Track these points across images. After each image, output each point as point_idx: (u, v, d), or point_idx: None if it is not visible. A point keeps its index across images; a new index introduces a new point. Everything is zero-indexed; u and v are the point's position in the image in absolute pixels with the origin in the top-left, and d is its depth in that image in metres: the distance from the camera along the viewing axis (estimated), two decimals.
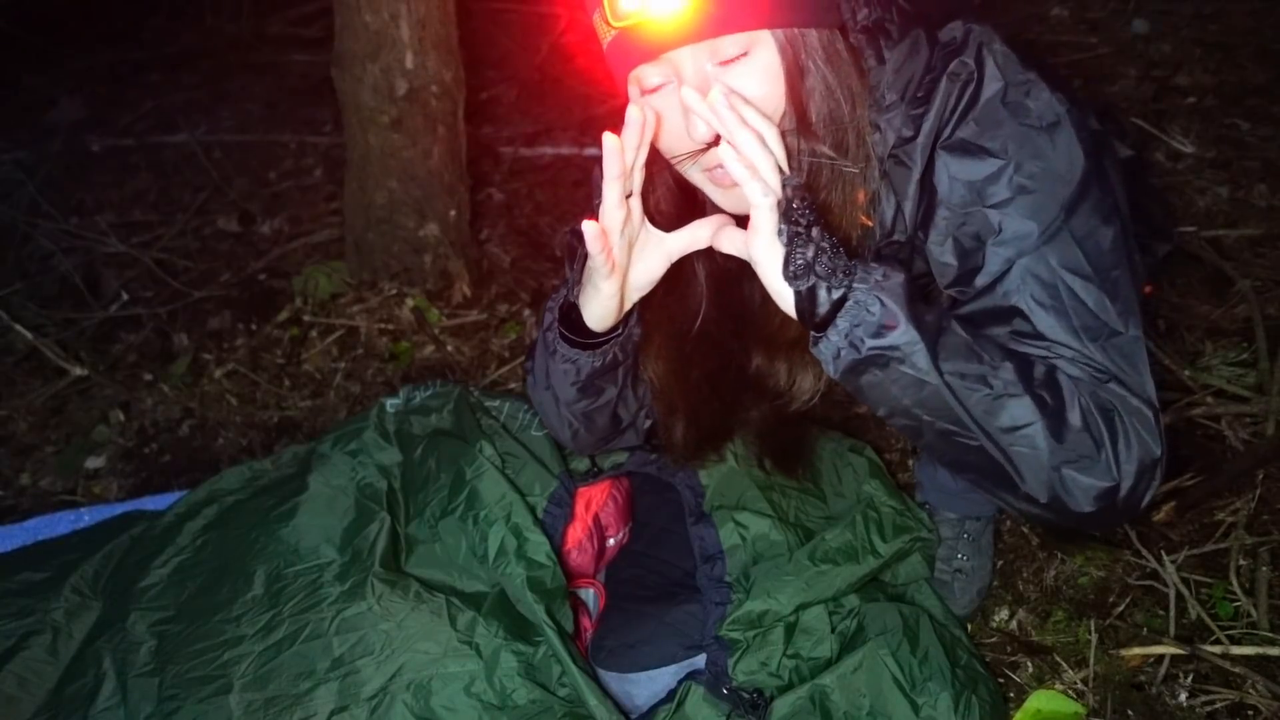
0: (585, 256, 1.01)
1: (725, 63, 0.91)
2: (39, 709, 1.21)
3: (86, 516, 1.65)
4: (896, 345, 0.86)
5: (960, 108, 0.96)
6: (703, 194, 1.05)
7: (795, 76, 0.93)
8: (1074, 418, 0.89)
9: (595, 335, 1.10)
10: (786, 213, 0.87)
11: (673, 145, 0.98)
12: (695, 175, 1.00)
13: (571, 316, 1.10)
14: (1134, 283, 0.95)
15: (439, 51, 2.04)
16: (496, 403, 1.51)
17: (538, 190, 2.66)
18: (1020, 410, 0.88)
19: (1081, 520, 0.92)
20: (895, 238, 1.04)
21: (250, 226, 2.67)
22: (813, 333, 0.90)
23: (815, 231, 0.87)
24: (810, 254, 0.86)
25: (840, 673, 1.12)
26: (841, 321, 0.87)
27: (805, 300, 0.88)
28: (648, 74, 0.94)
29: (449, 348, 2.07)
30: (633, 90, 0.97)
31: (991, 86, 0.95)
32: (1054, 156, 0.94)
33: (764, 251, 0.89)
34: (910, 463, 1.60)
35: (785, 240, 0.87)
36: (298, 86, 3.51)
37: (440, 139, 2.11)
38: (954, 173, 0.96)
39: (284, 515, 1.31)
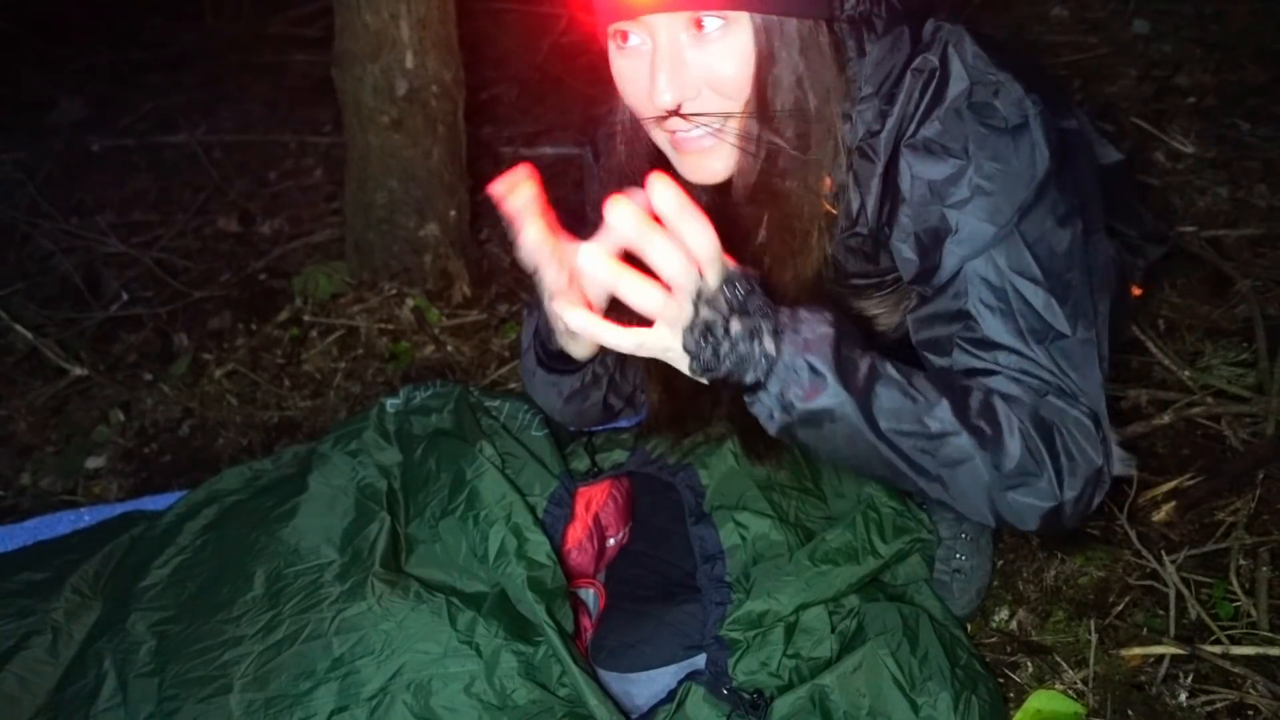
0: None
1: (699, 37, 0.91)
2: (39, 709, 1.21)
3: (86, 516, 1.65)
4: (829, 407, 0.85)
5: (924, 106, 0.96)
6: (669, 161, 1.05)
7: (765, 62, 0.93)
8: (1013, 445, 0.89)
9: (572, 360, 1.12)
10: (698, 325, 0.83)
11: (638, 106, 0.99)
12: (659, 136, 1.01)
13: (548, 345, 1.11)
14: (1092, 286, 0.96)
15: (439, 51, 2.04)
16: (496, 403, 1.51)
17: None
18: (958, 446, 0.88)
19: (1033, 533, 0.93)
20: (858, 229, 1.05)
21: (250, 226, 2.67)
22: (744, 395, 0.89)
23: (734, 325, 0.83)
24: (725, 347, 0.83)
25: (840, 673, 1.12)
26: (772, 385, 0.85)
27: (723, 382, 0.86)
28: (624, 31, 0.95)
29: (449, 348, 2.07)
30: (610, 45, 0.98)
31: (956, 86, 0.96)
32: (1014, 159, 0.94)
33: (669, 355, 0.85)
34: None
35: (692, 345, 0.83)
36: (298, 86, 3.51)
37: (440, 139, 2.11)
38: (916, 171, 0.97)
39: (284, 515, 1.31)
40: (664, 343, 0.83)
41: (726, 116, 0.95)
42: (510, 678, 1.11)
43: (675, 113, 0.94)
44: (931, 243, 0.97)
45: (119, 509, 1.63)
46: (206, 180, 2.86)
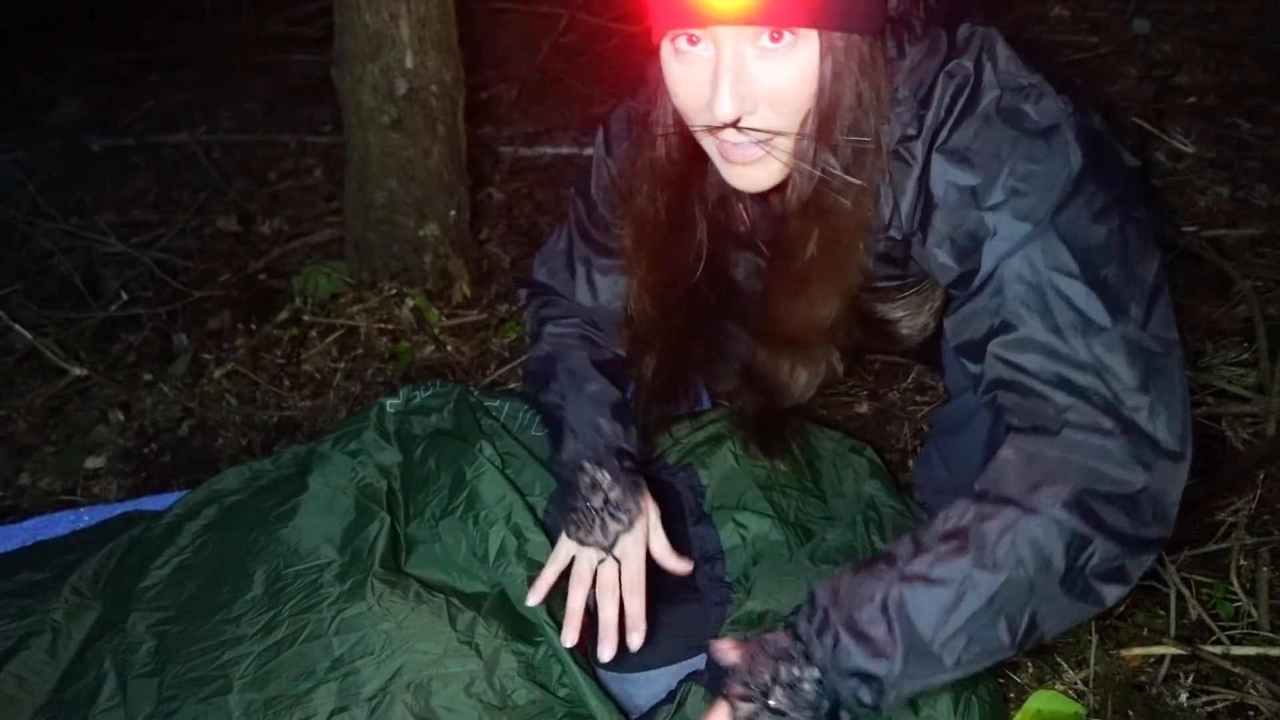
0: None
1: (767, 51, 0.91)
2: (39, 710, 1.20)
3: (86, 516, 1.65)
4: (893, 677, 0.92)
5: (957, 112, 0.96)
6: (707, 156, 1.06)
7: (829, 81, 0.92)
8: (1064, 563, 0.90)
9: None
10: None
11: (691, 113, 0.98)
12: (707, 142, 1.01)
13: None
14: (1136, 278, 0.93)
15: (439, 51, 2.04)
16: (496, 403, 1.51)
17: (538, 190, 2.65)
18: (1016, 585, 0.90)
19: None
20: (891, 234, 1.04)
21: (250, 226, 2.67)
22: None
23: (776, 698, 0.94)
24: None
25: None
26: (846, 702, 0.94)
27: None
28: (689, 36, 0.93)
29: (449, 348, 2.07)
30: (665, 46, 0.96)
31: (989, 93, 0.95)
32: (1047, 159, 0.93)
33: None
34: (910, 463, 1.60)
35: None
36: (298, 86, 3.51)
37: (440, 139, 2.11)
38: (949, 177, 0.96)
39: (284, 515, 1.31)
40: None
41: (784, 135, 0.95)
42: (510, 678, 1.11)
43: (732, 125, 0.93)
44: (969, 246, 0.96)
45: (119, 509, 1.63)
46: (206, 180, 2.86)
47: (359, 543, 1.26)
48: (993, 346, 0.94)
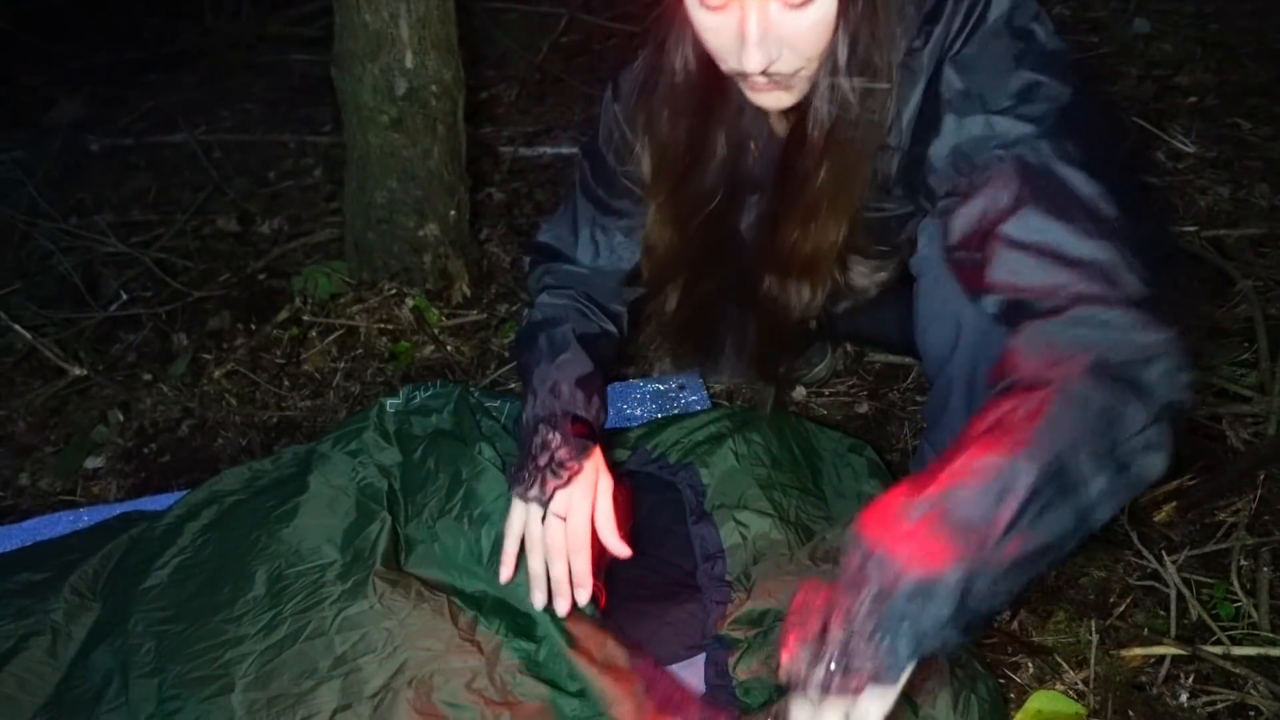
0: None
1: (790, 5, 0.94)
2: (39, 710, 1.20)
3: (86, 517, 1.64)
4: (949, 589, 0.78)
5: (970, 24, 1.00)
6: (726, 79, 1.09)
7: (849, 25, 0.98)
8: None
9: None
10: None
11: (719, 56, 1.03)
12: (734, 75, 1.05)
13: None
14: (1122, 178, 0.97)
15: (439, 51, 2.04)
16: (497, 403, 1.51)
17: (538, 190, 2.65)
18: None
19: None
20: (889, 143, 1.08)
21: (250, 226, 2.66)
22: None
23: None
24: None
25: None
26: (903, 632, 0.79)
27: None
28: None
29: (449, 348, 2.07)
30: (692, 1, 0.99)
31: (998, 8, 1.00)
32: (1052, 71, 0.98)
33: None
34: (909, 463, 1.60)
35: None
36: (298, 86, 3.51)
37: (440, 139, 2.11)
38: (958, 85, 1.00)
39: (285, 515, 1.31)
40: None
41: (804, 74, 1.00)
42: (511, 674, 1.11)
43: (759, 74, 0.98)
44: (973, 149, 0.99)
45: (118, 509, 1.62)
46: (206, 180, 2.86)
47: (360, 542, 1.26)
48: (1001, 229, 0.94)
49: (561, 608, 1.16)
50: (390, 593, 1.18)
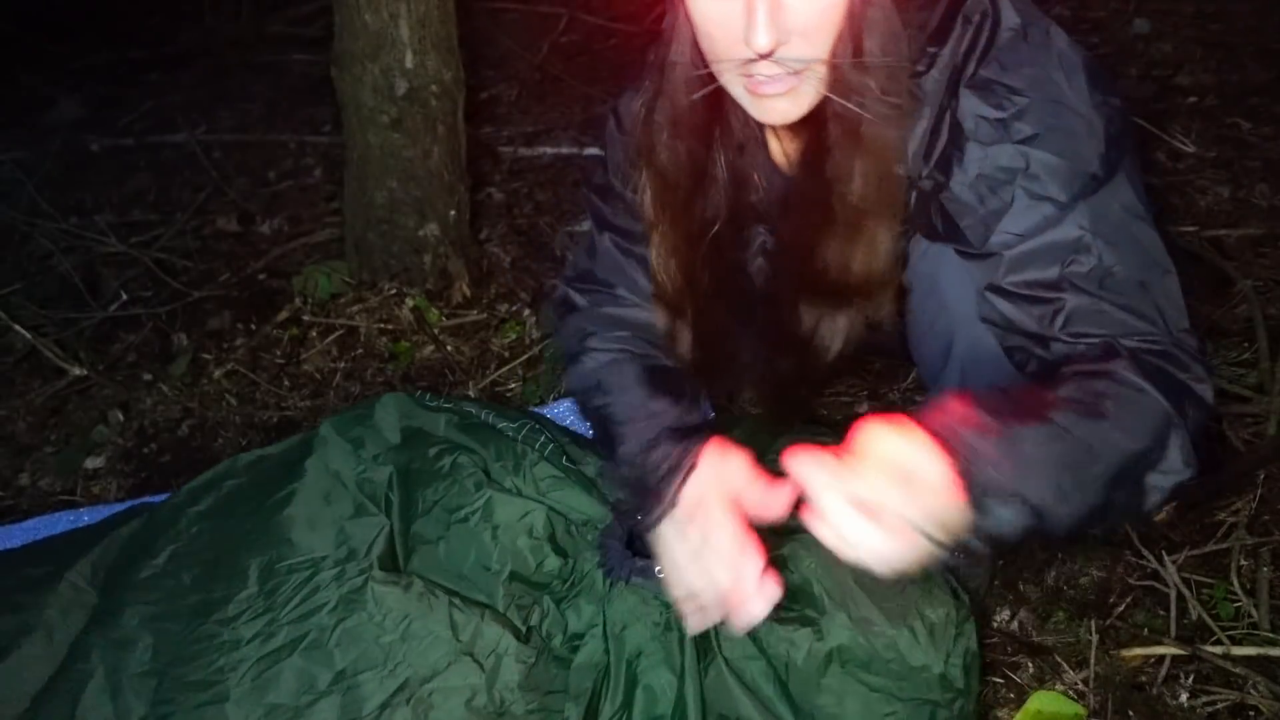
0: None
1: None
2: (31, 704, 1.19)
3: (86, 517, 1.65)
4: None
5: (981, 46, 0.97)
6: (728, 104, 1.06)
7: (859, 5, 0.93)
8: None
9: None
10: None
11: (724, 48, 0.97)
12: (734, 81, 1.00)
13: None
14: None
15: (439, 51, 2.04)
16: (514, 425, 1.44)
17: (538, 190, 2.65)
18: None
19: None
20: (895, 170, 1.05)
21: (250, 226, 2.66)
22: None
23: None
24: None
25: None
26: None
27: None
28: None
29: (449, 348, 2.07)
30: None
31: (1009, 25, 0.98)
32: (1073, 95, 0.96)
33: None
34: None
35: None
36: (298, 86, 3.50)
37: (440, 139, 2.11)
38: (979, 110, 0.97)
39: (279, 503, 1.28)
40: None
41: (820, 62, 0.95)
42: (510, 689, 1.09)
43: (766, 56, 0.92)
44: (1001, 179, 0.97)
45: (118, 509, 1.62)
46: (206, 180, 2.86)
47: (355, 542, 1.23)
48: (1069, 276, 0.95)
49: (761, 610, 0.93)
50: (389, 600, 1.16)
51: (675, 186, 1.13)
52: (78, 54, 3.88)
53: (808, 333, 1.17)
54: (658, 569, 1.10)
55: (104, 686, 1.15)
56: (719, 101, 1.07)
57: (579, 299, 1.33)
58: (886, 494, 0.77)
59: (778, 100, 0.98)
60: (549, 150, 2.81)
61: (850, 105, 0.96)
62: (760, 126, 1.14)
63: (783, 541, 1.14)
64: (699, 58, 1.03)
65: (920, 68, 0.99)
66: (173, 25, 4.08)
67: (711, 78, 1.03)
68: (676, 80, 1.07)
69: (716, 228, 1.17)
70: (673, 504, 1.01)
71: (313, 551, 1.23)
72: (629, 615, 1.12)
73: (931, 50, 0.99)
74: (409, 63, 2.01)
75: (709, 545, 0.97)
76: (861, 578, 1.10)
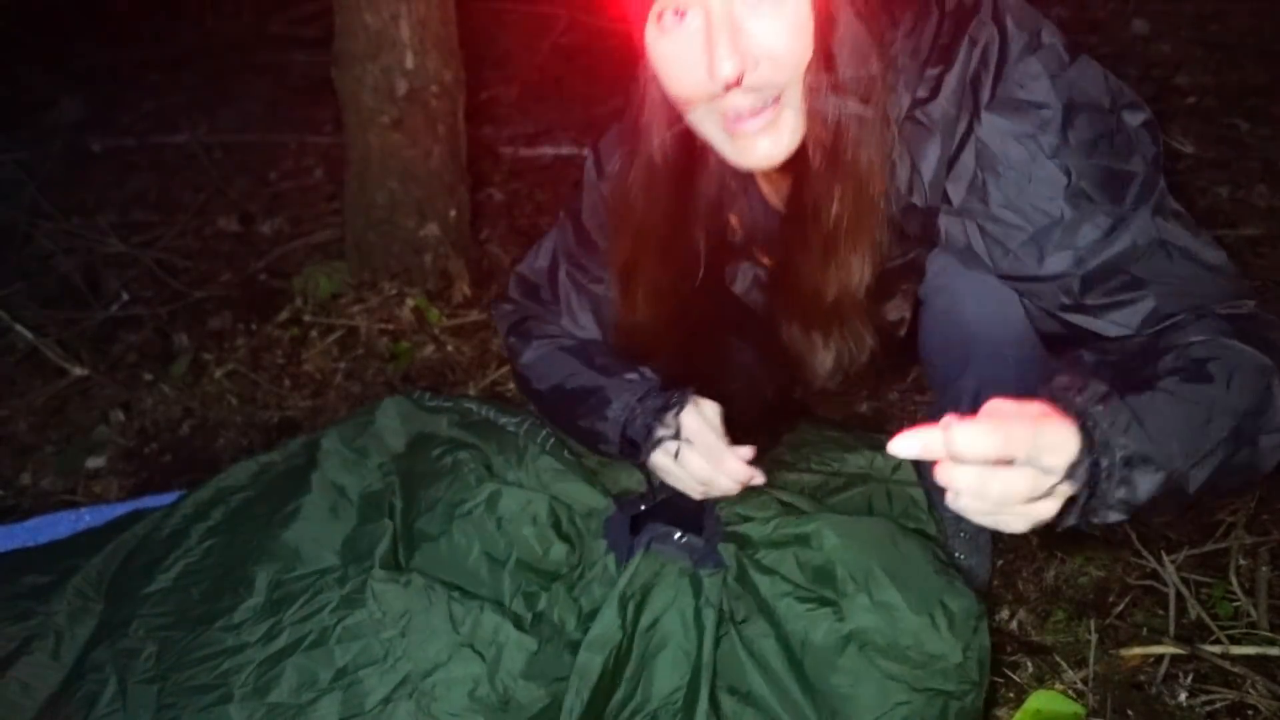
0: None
1: (756, 4, 0.90)
2: (39, 713, 1.20)
3: (87, 517, 1.65)
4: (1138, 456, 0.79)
5: (994, 66, 0.96)
6: (707, 157, 1.05)
7: (827, 24, 0.91)
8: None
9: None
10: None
11: (691, 88, 0.96)
12: (708, 124, 0.99)
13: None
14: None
15: (439, 51, 2.04)
16: (515, 420, 1.46)
17: (538, 190, 2.66)
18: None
19: None
20: (913, 201, 1.03)
21: (250, 226, 2.67)
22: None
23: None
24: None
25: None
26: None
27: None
28: (675, 8, 0.92)
29: (449, 348, 2.07)
30: (651, 29, 0.95)
31: (1019, 41, 0.96)
32: (1098, 97, 0.96)
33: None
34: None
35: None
36: (298, 86, 3.51)
37: (440, 139, 2.11)
38: (1007, 131, 0.95)
39: (287, 517, 1.30)
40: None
41: (789, 85, 0.94)
42: (513, 678, 1.10)
43: (736, 84, 0.91)
44: (1049, 194, 0.95)
45: (119, 509, 1.62)
46: (207, 180, 2.86)
47: (361, 550, 1.25)
48: (1144, 274, 0.95)
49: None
50: (389, 597, 1.16)
51: (652, 241, 1.13)
52: (79, 54, 3.89)
53: (791, 353, 1.19)
54: (677, 536, 1.15)
55: (116, 694, 1.16)
56: (693, 154, 1.06)
57: (525, 304, 1.37)
58: (1026, 450, 0.73)
59: (758, 140, 0.97)
60: (549, 150, 2.82)
61: (829, 127, 0.95)
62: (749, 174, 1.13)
63: (807, 519, 1.15)
64: (672, 115, 1.02)
65: (922, 93, 0.97)
66: (173, 25, 4.09)
67: (686, 135, 1.03)
68: (651, 142, 1.06)
69: (694, 279, 1.17)
70: (667, 431, 1.14)
71: (320, 563, 1.24)
72: (648, 581, 1.12)
73: (932, 74, 0.96)
74: (409, 63, 2.01)
75: (711, 459, 1.12)
76: (887, 561, 1.11)
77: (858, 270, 1.05)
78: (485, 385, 1.95)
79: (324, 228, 2.57)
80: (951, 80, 0.96)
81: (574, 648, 1.11)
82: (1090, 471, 0.77)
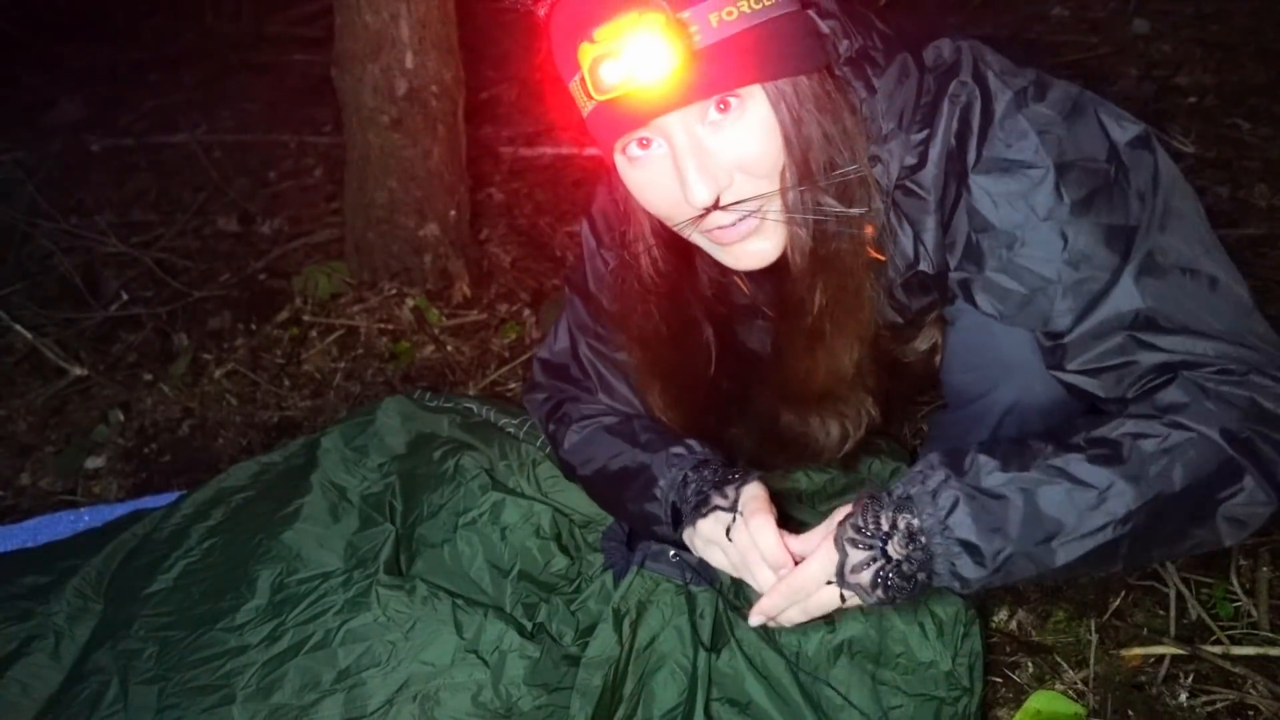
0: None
1: (717, 123, 0.89)
2: (40, 713, 1.20)
3: (87, 517, 1.65)
4: (1005, 554, 0.86)
5: (977, 128, 0.93)
6: (697, 256, 1.05)
7: (791, 129, 0.90)
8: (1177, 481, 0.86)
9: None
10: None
11: (669, 210, 0.96)
12: (696, 237, 0.99)
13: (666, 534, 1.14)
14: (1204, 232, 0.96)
15: (439, 51, 2.04)
16: (516, 421, 1.47)
17: (538, 190, 2.65)
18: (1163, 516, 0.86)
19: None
20: (921, 268, 1.02)
21: (250, 226, 2.67)
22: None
23: (884, 549, 0.90)
24: (886, 578, 0.89)
25: None
26: (941, 571, 0.88)
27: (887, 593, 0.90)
28: (639, 140, 0.92)
29: (449, 348, 2.07)
30: (619, 159, 0.95)
31: (1003, 99, 0.93)
32: (1088, 146, 0.92)
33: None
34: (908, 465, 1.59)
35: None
36: (298, 86, 3.51)
37: (440, 139, 2.11)
38: (996, 193, 0.93)
39: (288, 518, 1.30)
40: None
41: (767, 197, 0.93)
42: (516, 685, 1.10)
43: (714, 207, 0.91)
44: (1041, 259, 0.92)
45: (119, 509, 1.63)
46: (206, 180, 2.86)
47: (363, 553, 1.25)
48: (1136, 337, 0.91)
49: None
50: (394, 603, 1.17)
51: (660, 351, 1.13)
52: (78, 54, 3.89)
53: (789, 433, 1.20)
54: (671, 554, 1.13)
55: (118, 695, 1.16)
56: (684, 258, 1.06)
57: (557, 386, 1.32)
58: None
59: (749, 243, 0.96)
60: (549, 150, 2.82)
61: (809, 229, 0.95)
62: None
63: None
64: (655, 225, 1.02)
65: (910, 160, 0.96)
66: (173, 25, 4.09)
67: (670, 242, 1.03)
68: (639, 254, 1.06)
69: (709, 370, 1.16)
70: (731, 504, 1.05)
71: (322, 566, 1.24)
72: (644, 599, 1.12)
73: (918, 139, 0.95)
74: (409, 63, 2.01)
75: (758, 544, 1.01)
76: None
77: (845, 354, 1.06)
78: (485, 385, 1.95)
79: (324, 228, 2.57)
80: (936, 145, 0.94)
81: (571, 660, 1.12)
82: (877, 575, 0.89)
